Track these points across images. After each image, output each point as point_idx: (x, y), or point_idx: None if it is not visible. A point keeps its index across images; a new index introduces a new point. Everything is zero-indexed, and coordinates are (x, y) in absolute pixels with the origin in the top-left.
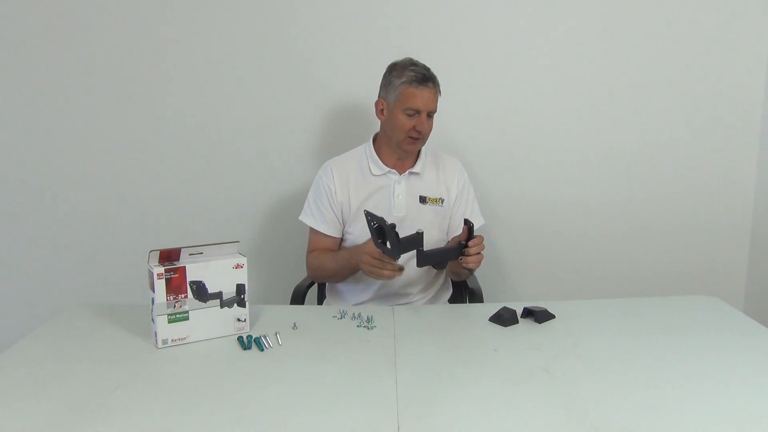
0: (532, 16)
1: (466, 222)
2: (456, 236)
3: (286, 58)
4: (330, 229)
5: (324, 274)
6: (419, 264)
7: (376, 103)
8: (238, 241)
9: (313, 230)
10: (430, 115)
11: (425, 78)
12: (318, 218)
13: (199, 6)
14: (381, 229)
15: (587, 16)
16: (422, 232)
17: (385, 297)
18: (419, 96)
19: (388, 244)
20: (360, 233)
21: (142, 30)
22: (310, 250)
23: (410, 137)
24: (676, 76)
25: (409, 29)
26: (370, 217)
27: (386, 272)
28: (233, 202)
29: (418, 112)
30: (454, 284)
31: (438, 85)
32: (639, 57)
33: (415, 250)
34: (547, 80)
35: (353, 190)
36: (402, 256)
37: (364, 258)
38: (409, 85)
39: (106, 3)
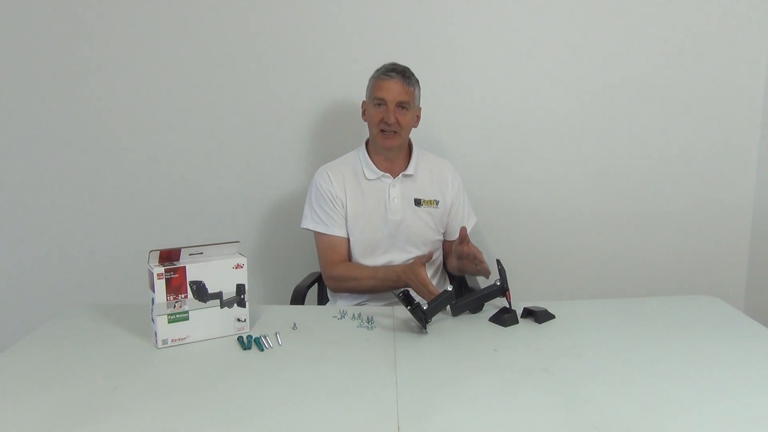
0: (529, 17)
1: (499, 262)
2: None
3: (287, 59)
4: (343, 231)
5: (356, 287)
6: (455, 313)
7: (362, 105)
8: (238, 241)
9: (324, 237)
10: (403, 106)
11: (392, 70)
12: (329, 223)
13: (200, 7)
14: (408, 296)
15: (584, 15)
16: (452, 290)
17: (385, 297)
18: (384, 86)
19: (420, 301)
20: (358, 238)
21: (141, 31)
22: (333, 261)
23: (381, 130)
24: (674, 75)
25: (409, 32)
26: (397, 293)
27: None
28: (233, 202)
29: (384, 101)
30: (454, 285)
31: (409, 79)
32: (638, 56)
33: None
34: (545, 79)
35: (350, 194)
36: (407, 247)
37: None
38: (377, 78)
39: (106, 3)
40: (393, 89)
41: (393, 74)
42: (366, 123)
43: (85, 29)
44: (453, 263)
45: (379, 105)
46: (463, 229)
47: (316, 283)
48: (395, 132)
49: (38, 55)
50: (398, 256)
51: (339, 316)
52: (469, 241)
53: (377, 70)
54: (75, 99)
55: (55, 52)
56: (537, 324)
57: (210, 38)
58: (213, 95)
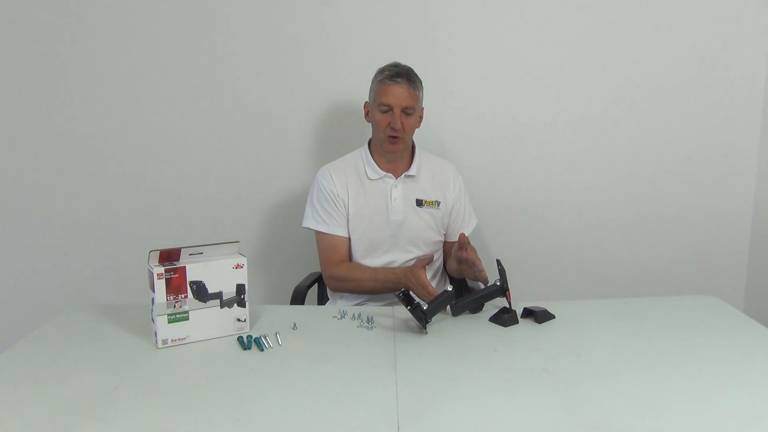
0: (530, 20)
1: (499, 262)
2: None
3: (288, 59)
4: (345, 231)
5: (356, 288)
6: (455, 313)
7: (364, 106)
8: (238, 241)
9: (325, 237)
10: (407, 112)
11: (398, 74)
12: (331, 222)
13: (200, 7)
14: (408, 296)
15: (584, 19)
16: (452, 290)
17: (385, 297)
18: (390, 92)
19: (420, 302)
20: (360, 238)
21: (142, 31)
22: (333, 261)
23: (389, 136)
24: (675, 75)
25: (410, 32)
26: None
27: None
28: (233, 202)
29: (390, 107)
30: (454, 285)
31: (414, 83)
32: (638, 59)
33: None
34: (545, 80)
35: (352, 193)
36: (408, 248)
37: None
38: (382, 82)
39: (107, 3)
40: (399, 95)
41: (399, 79)
42: (368, 122)
43: (86, 29)
44: (452, 266)
45: (385, 111)
46: (462, 236)
47: (316, 283)
48: (400, 137)
49: (39, 55)
50: (399, 256)
51: (339, 316)
52: (467, 246)
53: (381, 72)
54: (75, 99)
55: (56, 52)
56: (537, 324)
57: (210, 38)
58: (213, 95)
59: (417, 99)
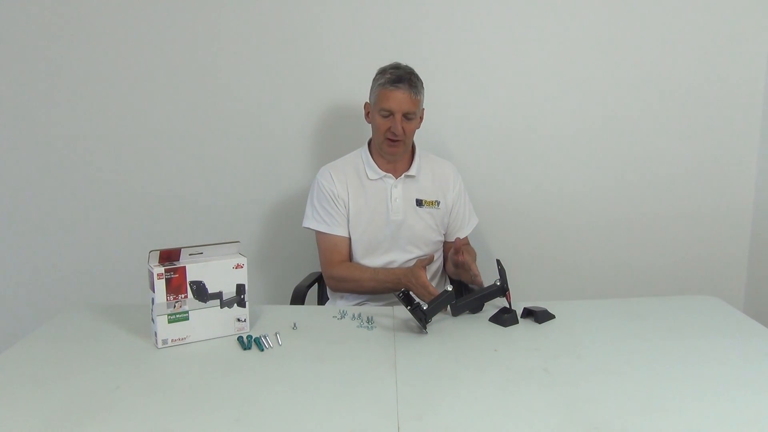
0: (530, 16)
1: (499, 262)
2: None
3: (288, 59)
4: (345, 231)
5: (357, 288)
6: (455, 313)
7: (364, 107)
8: (238, 241)
9: (325, 237)
10: (408, 117)
11: (399, 79)
12: (331, 222)
13: (201, 7)
14: (408, 296)
15: (585, 16)
16: (452, 290)
17: (385, 297)
18: (392, 97)
19: (420, 302)
20: (359, 238)
21: (143, 31)
22: (334, 261)
23: (388, 139)
24: (675, 75)
25: (410, 32)
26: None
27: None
28: (233, 202)
29: (391, 113)
30: (454, 285)
31: (416, 88)
32: (638, 56)
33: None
34: (546, 80)
35: (352, 193)
36: (408, 247)
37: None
38: (383, 86)
39: (107, 2)
40: (400, 100)
41: (400, 85)
42: (368, 123)
43: (86, 30)
44: (450, 268)
45: (386, 116)
46: (458, 239)
47: (316, 283)
48: (401, 140)
49: (39, 55)
50: (399, 256)
51: (339, 316)
52: (464, 249)
53: (382, 75)
54: (75, 98)
55: (55, 52)
56: (537, 324)
57: (210, 38)
58: (213, 95)
59: (418, 103)
